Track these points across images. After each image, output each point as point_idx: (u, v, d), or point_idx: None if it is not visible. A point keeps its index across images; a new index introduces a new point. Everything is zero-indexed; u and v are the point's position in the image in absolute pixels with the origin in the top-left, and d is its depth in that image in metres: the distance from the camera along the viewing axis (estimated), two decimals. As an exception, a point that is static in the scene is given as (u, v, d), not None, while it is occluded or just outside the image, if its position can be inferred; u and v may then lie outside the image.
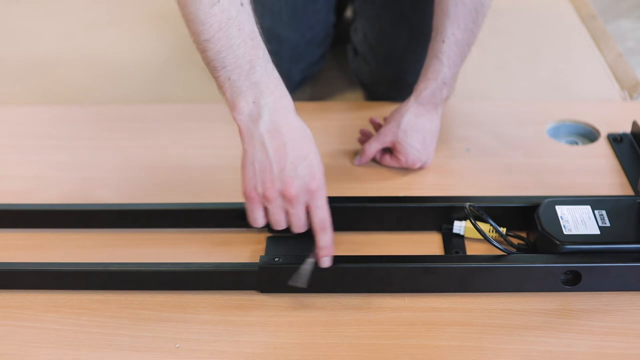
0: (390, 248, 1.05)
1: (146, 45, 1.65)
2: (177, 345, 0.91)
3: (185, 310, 0.96)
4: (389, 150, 1.17)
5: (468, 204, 1.01)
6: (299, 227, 0.92)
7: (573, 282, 0.96)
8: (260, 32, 0.91)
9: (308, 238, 1.04)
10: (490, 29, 1.58)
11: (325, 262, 0.93)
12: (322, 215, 0.91)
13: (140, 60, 1.60)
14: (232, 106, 0.88)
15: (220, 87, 0.89)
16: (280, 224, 0.92)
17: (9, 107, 1.43)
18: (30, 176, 1.21)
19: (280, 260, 0.96)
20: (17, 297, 0.98)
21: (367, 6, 1.36)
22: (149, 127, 1.32)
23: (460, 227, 1.04)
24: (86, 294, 0.98)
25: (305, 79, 1.45)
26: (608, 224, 0.98)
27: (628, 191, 1.13)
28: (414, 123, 1.13)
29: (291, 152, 0.88)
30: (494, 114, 1.32)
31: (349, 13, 1.60)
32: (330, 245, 0.93)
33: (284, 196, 0.89)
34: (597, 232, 0.97)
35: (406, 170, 1.17)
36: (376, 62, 1.36)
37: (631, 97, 1.40)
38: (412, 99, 1.14)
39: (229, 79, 0.87)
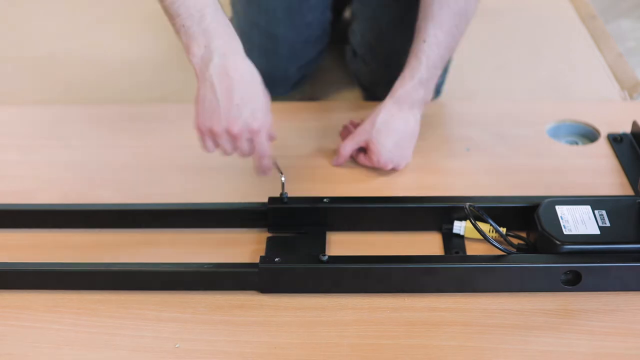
0: (390, 248, 1.05)
1: (146, 45, 1.65)
2: (177, 345, 0.91)
3: (185, 310, 0.96)
4: (364, 150, 1.17)
5: (468, 204, 1.01)
6: (244, 156, 1.02)
7: (573, 282, 0.95)
8: None
9: (308, 238, 1.04)
10: (490, 29, 1.59)
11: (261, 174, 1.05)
12: (263, 149, 1.01)
13: (140, 60, 1.60)
14: (187, 49, 0.97)
15: (176, 32, 0.98)
16: (226, 151, 1.01)
17: (9, 107, 1.42)
18: (30, 176, 1.21)
19: (280, 260, 0.96)
20: (17, 297, 0.98)
21: (364, 8, 1.36)
22: (149, 127, 1.32)
23: (460, 227, 1.04)
24: (86, 294, 0.98)
25: (304, 78, 1.45)
26: (608, 224, 0.98)
27: (628, 191, 1.13)
28: (388, 123, 1.13)
29: (237, 95, 0.96)
30: (494, 114, 1.32)
31: (347, 14, 1.60)
32: (268, 168, 1.04)
33: (228, 133, 0.98)
34: (597, 232, 0.97)
35: (406, 170, 1.17)
36: (375, 63, 1.36)
37: (631, 97, 1.40)
38: (387, 98, 1.14)
39: (183, 25, 0.96)
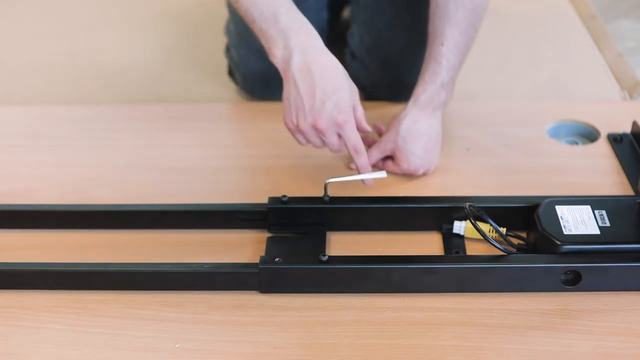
0: (390, 248, 1.05)
1: (146, 46, 1.65)
2: (177, 345, 0.91)
3: (185, 310, 0.96)
4: (390, 157, 1.17)
5: (468, 204, 1.01)
6: (335, 151, 1.05)
7: (573, 282, 0.96)
8: None
9: (308, 238, 1.04)
10: (490, 29, 1.59)
11: (367, 181, 1.08)
12: (353, 142, 1.03)
13: (140, 61, 1.60)
14: (268, 52, 1.01)
15: (257, 36, 1.02)
16: (317, 146, 1.04)
17: (9, 107, 1.43)
18: (30, 176, 1.21)
19: (280, 260, 0.96)
20: (17, 297, 0.98)
21: (362, 10, 1.36)
22: (149, 127, 1.32)
23: (460, 227, 1.04)
24: (86, 294, 0.98)
25: None
26: (608, 224, 0.98)
27: (628, 191, 1.13)
28: (413, 129, 1.12)
29: (319, 90, 0.99)
30: (494, 114, 1.32)
31: (346, 13, 1.60)
32: (366, 165, 1.07)
33: (315, 129, 1.00)
34: (597, 232, 0.97)
35: (406, 170, 1.17)
36: (374, 66, 1.36)
37: (631, 97, 1.40)
38: (410, 104, 1.13)
39: (261, 29, 1.00)
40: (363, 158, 1.06)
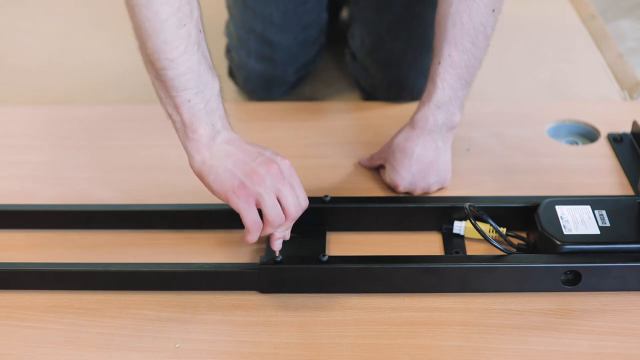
0: (390, 248, 1.05)
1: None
2: (177, 345, 0.91)
3: (185, 310, 0.96)
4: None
5: (468, 204, 1.01)
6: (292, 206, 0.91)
7: (573, 282, 0.96)
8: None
9: (308, 238, 1.04)
10: (490, 29, 1.59)
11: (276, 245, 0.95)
12: (303, 201, 0.92)
13: (141, 61, 1.60)
14: (189, 127, 0.89)
15: (174, 107, 0.89)
16: (276, 210, 0.90)
17: (9, 107, 1.43)
18: (30, 176, 1.21)
19: (280, 260, 0.96)
20: (17, 297, 0.98)
21: (361, 12, 1.36)
22: (149, 127, 1.32)
23: (460, 227, 1.04)
24: (86, 294, 0.98)
25: (302, 79, 1.44)
26: (608, 224, 0.98)
27: (628, 191, 1.13)
28: (402, 146, 1.09)
29: (254, 149, 0.91)
30: (494, 114, 1.32)
31: (345, 13, 1.60)
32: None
33: (272, 173, 0.89)
34: (597, 232, 0.97)
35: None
36: (375, 67, 1.36)
37: (631, 97, 1.40)
38: (407, 123, 1.11)
39: (189, 101, 0.88)
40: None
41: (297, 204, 0.91)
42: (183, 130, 0.90)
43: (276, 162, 0.90)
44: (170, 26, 0.85)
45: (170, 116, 0.91)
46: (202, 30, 0.88)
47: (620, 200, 1.04)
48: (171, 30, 0.85)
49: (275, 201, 0.90)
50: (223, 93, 0.92)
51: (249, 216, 0.89)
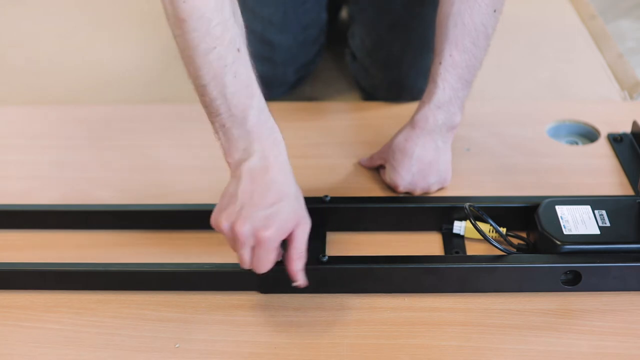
0: (390, 248, 1.05)
1: (147, 46, 1.65)
2: (177, 345, 0.91)
3: (185, 310, 0.96)
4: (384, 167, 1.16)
5: (468, 204, 1.01)
6: (243, 265, 0.89)
7: (573, 282, 0.96)
8: (256, 75, 0.91)
9: (308, 238, 1.04)
10: (490, 29, 1.59)
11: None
12: (259, 263, 0.88)
13: (141, 61, 1.60)
14: (226, 152, 0.89)
15: (215, 131, 0.90)
16: (234, 252, 0.89)
17: (9, 107, 1.43)
18: (30, 176, 1.21)
19: (280, 260, 0.96)
20: (17, 297, 0.98)
21: (361, 12, 1.36)
22: (148, 127, 1.32)
23: (460, 227, 1.04)
24: (86, 294, 0.98)
25: (302, 79, 1.44)
26: (608, 224, 0.98)
27: (628, 191, 1.13)
28: (402, 146, 1.09)
29: (257, 195, 0.86)
30: (494, 114, 1.32)
31: (344, 13, 1.60)
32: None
33: (232, 231, 0.86)
34: (597, 232, 0.97)
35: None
36: (375, 67, 1.36)
37: (631, 97, 1.40)
38: (407, 123, 1.11)
39: (224, 126, 0.88)
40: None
41: (264, 268, 0.88)
42: (224, 155, 0.90)
43: (265, 233, 0.85)
44: (200, 52, 0.85)
45: (218, 140, 0.91)
46: (240, 49, 0.88)
47: (620, 200, 1.04)
48: (201, 57, 0.85)
49: (249, 256, 0.88)
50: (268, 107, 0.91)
51: (228, 242, 0.89)
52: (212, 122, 0.89)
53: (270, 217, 0.86)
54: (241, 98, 0.88)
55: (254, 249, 0.87)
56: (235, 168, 0.88)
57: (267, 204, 0.86)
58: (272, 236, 0.86)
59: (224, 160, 0.90)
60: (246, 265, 0.89)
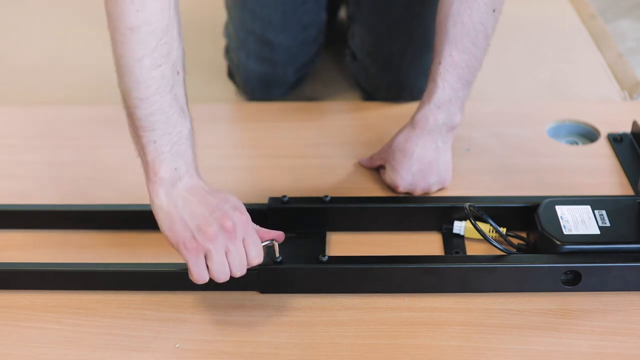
0: (390, 248, 1.05)
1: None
2: (177, 345, 0.91)
3: (185, 310, 0.96)
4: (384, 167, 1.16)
5: (468, 204, 1.01)
6: (242, 267, 0.89)
7: (573, 282, 0.96)
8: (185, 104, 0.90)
9: (308, 238, 1.04)
10: (490, 29, 1.59)
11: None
12: (252, 253, 0.89)
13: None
14: (151, 169, 0.88)
15: (141, 146, 0.88)
16: (222, 268, 0.88)
17: (9, 107, 1.42)
18: (30, 176, 1.21)
19: (280, 260, 0.96)
20: (17, 297, 0.98)
21: (361, 12, 1.35)
22: (149, 127, 1.32)
23: (460, 227, 1.04)
24: (86, 294, 0.98)
25: (301, 79, 1.44)
26: (608, 224, 0.98)
27: (628, 191, 1.13)
28: (402, 146, 1.09)
29: (204, 207, 0.87)
30: (494, 114, 1.32)
31: (342, 13, 1.60)
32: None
33: (225, 230, 0.86)
34: (597, 232, 0.97)
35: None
36: (375, 68, 1.36)
37: (631, 97, 1.40)
38: (407, 123, 1.11)
39: (154, 142, 0.87)
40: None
41: (242, 265, 0.89)
42: (146, 171, 0.89)
43: (232, 219, 0.86)
44: (144, 66, 0.84)
45: (138, 155, 0.89)
46: (180, 72, 0.87)
47: (620, 200, 1.04)
48: (144, 70, 0.84)
49: (223, 259, 0.87)
50: (195, 136, 0.91)
51: (195, 269, 0.88)
52: (139, 136, 0.87)
53: (236, 208, 0.88)
54: (179, 119, 0.88)
55: (227, 256, 0.87)
56: (167, 193, 0.87)
57: (216, 205, 0.87)
58: (242, 217, 0.87)
59: (144, 180, 0.89)
60: (241, 261, 0.88)
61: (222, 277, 0.89)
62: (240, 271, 0.89)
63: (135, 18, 0.82)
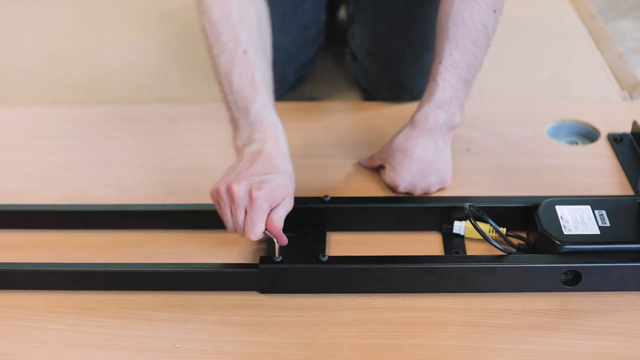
0: (390, 248, 1.05)
1: (146, 46, 1.65)
2: (177, 345, 0.91)
3: (185, 310, 0.96)
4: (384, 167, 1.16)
5: (468, 204, 1.01)
6: (231, 228, 0.97)
7: (573, 282, 0.96)
8: (266, 75, 1.04)
9: (308, 238, 1.04)
10: (490, 29, 1.59)
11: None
12: (252, 229, 0.94)
13: (141, 61, 1.60)
14: (233, 137, 1.03)
15: (229, 122, 1.04)
16: (225, 219, 0.97)
17: (9, 107, 1.43)
18: (30, 176, 1.21)
19: (280, 260, 0.96)
20: (17, 297, 0.98)
21: (361, 12, 1.35)
22: (149, 127, 1.32)
23: (460, 227, 1.04)
24: (86, 294, 0.98)
25: (301, 79, 1.44)
26: (608, 224, 0.98)
27: (628, 191, 1.13)
28: (402, 146, 1.09)
29: (257, 165, 0.96)
30: (494, 114, 1.32)
31: (342, 13, 1.60)
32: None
33: (228, 191, 0.94)
34: (597, 232, 0.97)
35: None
36: (375, 67, 1.36)
37: (631, 97, 1.40)
38: (407, 123, 1.10)
39: (233, 117, 1.03)
40: (249, 237, 0.95)
41: (239, 229, 0.95)
42: (233, 141, 1.04)
43: (241, 187, 0.93)
44: (214, 55, 1.04)
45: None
46: (247, 51, 1.02)
47: (620, 200, 1.04)
48: (215, 58, 1.04)
49: (228, 214, 0.96)
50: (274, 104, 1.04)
51: (217, 208, 0.98)
52: (228, 114, 1.04)
53: (264, 181, 0.94)
54: (245, 94, 1.01)
55: (246, 211, 0.94)
56: (238, 152, 1.01)
57: (263, 172, 0.95)
58: (264, 196, 0.92)
59: (232, 146, 1.03)
60: (239, 226, 0.95)
61: (228, 225, 0.97)
62: (240, 232, 0.96)
63: (202, 20, 1.05)
